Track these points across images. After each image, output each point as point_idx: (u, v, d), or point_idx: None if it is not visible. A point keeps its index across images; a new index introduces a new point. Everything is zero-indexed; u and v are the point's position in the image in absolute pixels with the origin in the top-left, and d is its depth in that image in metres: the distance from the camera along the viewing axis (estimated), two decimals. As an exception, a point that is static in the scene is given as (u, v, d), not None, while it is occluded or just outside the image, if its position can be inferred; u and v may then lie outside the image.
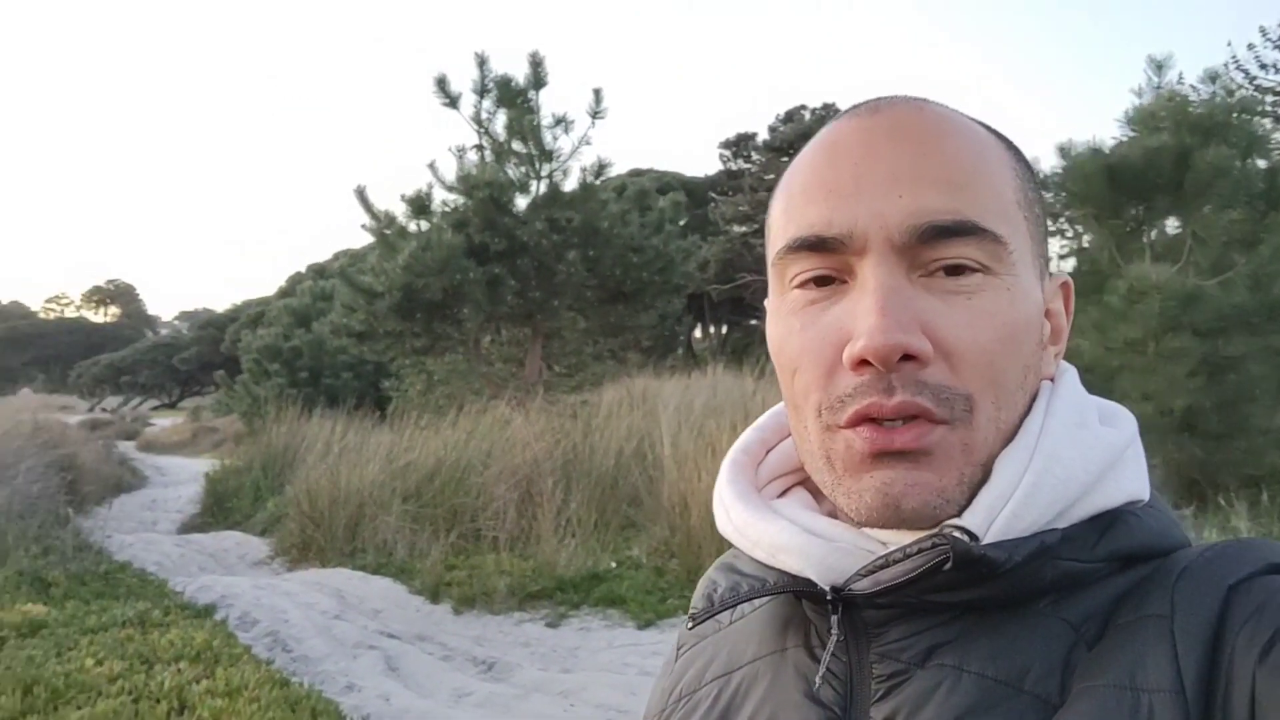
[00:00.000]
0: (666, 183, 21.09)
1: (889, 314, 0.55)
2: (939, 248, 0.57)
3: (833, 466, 0.59)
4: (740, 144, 27.08)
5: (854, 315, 0.57)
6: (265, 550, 8.58)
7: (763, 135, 26.43)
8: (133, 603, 5.23)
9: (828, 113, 25.56)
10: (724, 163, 27.46)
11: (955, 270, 0.57)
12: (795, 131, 23.85)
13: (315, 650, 5.33)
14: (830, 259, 0.59)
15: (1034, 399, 0.61)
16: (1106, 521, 0.57)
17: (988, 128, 0.63)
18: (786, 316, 0.61)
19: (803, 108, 25.87)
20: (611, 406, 9.89)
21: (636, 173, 23.96)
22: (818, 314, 0.59)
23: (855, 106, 0.63)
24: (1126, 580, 0.57)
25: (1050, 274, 0.65)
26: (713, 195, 25.47)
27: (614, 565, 6.69)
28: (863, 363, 0.56)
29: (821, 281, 0.59)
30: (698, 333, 27.67)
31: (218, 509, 11.15)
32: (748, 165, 26.53)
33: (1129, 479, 0.59)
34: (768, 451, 0.70)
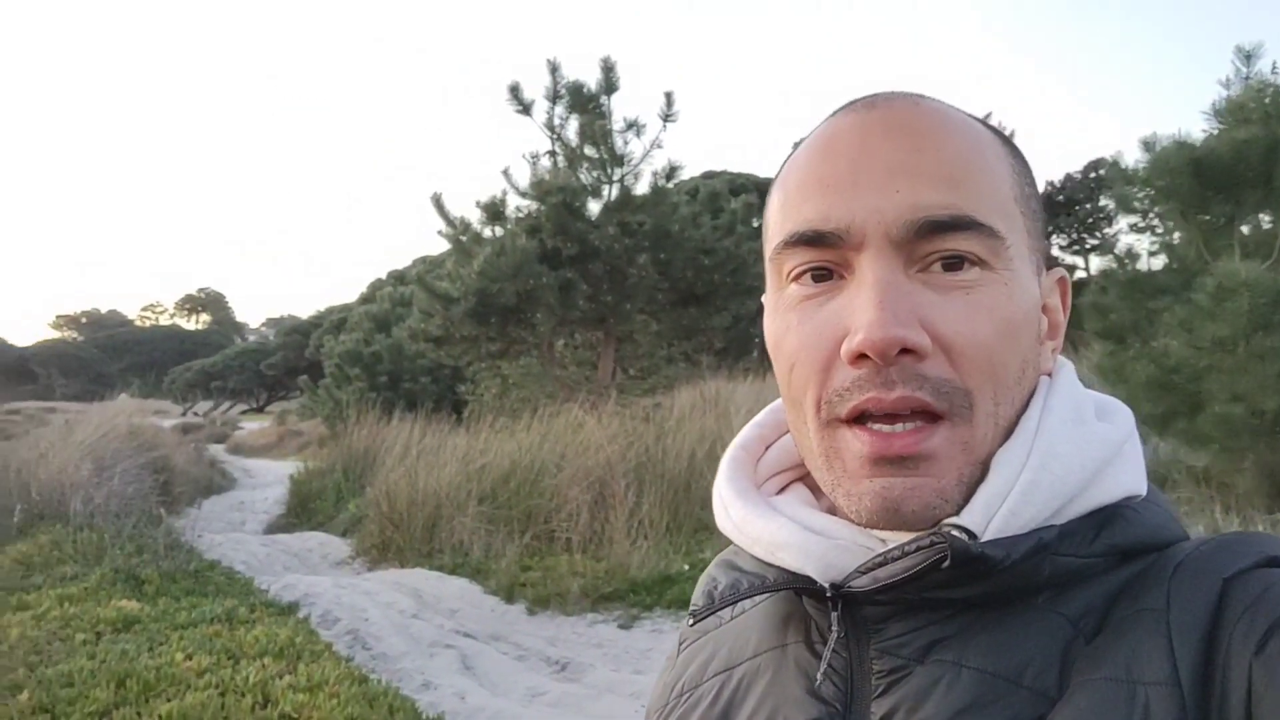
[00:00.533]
0: (740, 184, 21.01)
1: (886, 308, 0.55)
2: (936, 242, 0.57)
3: (831, 466, 0.59)
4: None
5: (852, 310, 0.57)
6: (346, 550, 8.79)
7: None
8: (221, 600, 5.40)
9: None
10: (799, 163, 27.19)
11: (953, 265, 0.57)
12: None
13: (393, 648, 5.45)
14: (827, 253, 0.59)
15: (1032, 395, 0.61)
16: (1104, 517, 0.58)
17: (985, 124, 0.63)
18: (784, 312, 0.62)
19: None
20: (684, 409, 9.90)
21: (710, 175, 23.92)
22: (815, 309, 0.59)
23: (852, 102, 0.64)
24: (1124, 575, 0.57)
25: (1047, 269, 0.65)
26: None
27: (686, 568, 6.70)
28: (861, 356, 0.56)
29: (819, 277, 0.60)
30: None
31: (302, 510, 11.45)
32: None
33: (1126, 474, 0.59)
34: (767, 448, 0.71)
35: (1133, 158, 6.96)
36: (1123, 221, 7.79)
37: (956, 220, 0.57)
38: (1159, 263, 7.46)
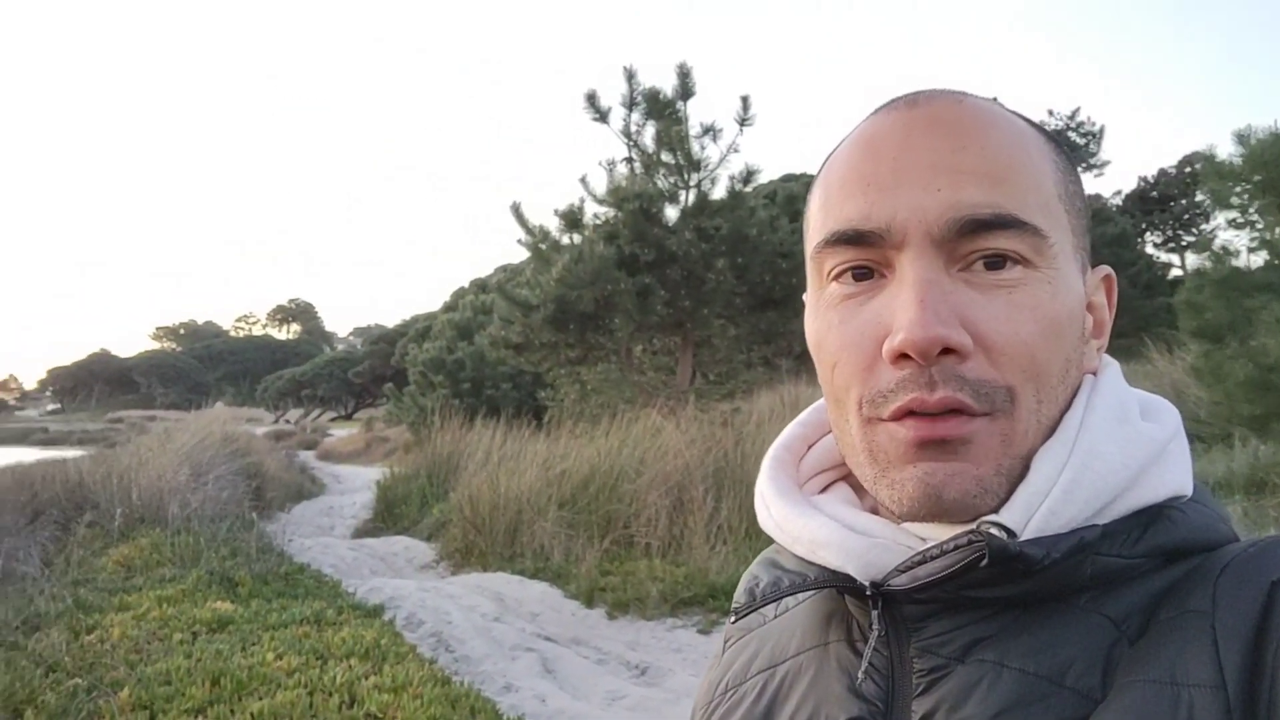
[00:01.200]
0: (818, 187, 20.79)
1: (928, 307, 0.55)
2: (978, 241, 0.57)
3: (875, 460, 0.59)
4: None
5: (893, 309, 0.57)
6: (431, 554, 8.95)
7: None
8: (310, 602, 5.54)
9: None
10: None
11: (995, 264, 0.57)
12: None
13: (475, 651, 5.52)
14: (868, 252, 0.59)
15: (1076, 394, 0.60)
16: (1149, 517, 0.57)
17: (1029, 121, 0.63)
18: (825, 311, 0.62)
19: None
20: (763, 414, 9.84)
21: (789, 177, 23.75)
22: (856, 308, 0.59)
23: (895, 99, 0.63)
24: (1169, 576, 0.56)
25: (1091, 267, 0.64)
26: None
27: (766, 573, 6.66)
28: (902, 356, 0.56)
29: (860, 275, 0.60)
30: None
31: (388, 515, 11.69)
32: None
33: (1172, 474, 0.58)
34: (810, 447, 0.71)
35: (1227, 151, 6.72)
36: (1220, 217, 7.50)
37: (999, 219, 0.56)
38: (1259, 260, 7.19)
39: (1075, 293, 0.60)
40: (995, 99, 0.64)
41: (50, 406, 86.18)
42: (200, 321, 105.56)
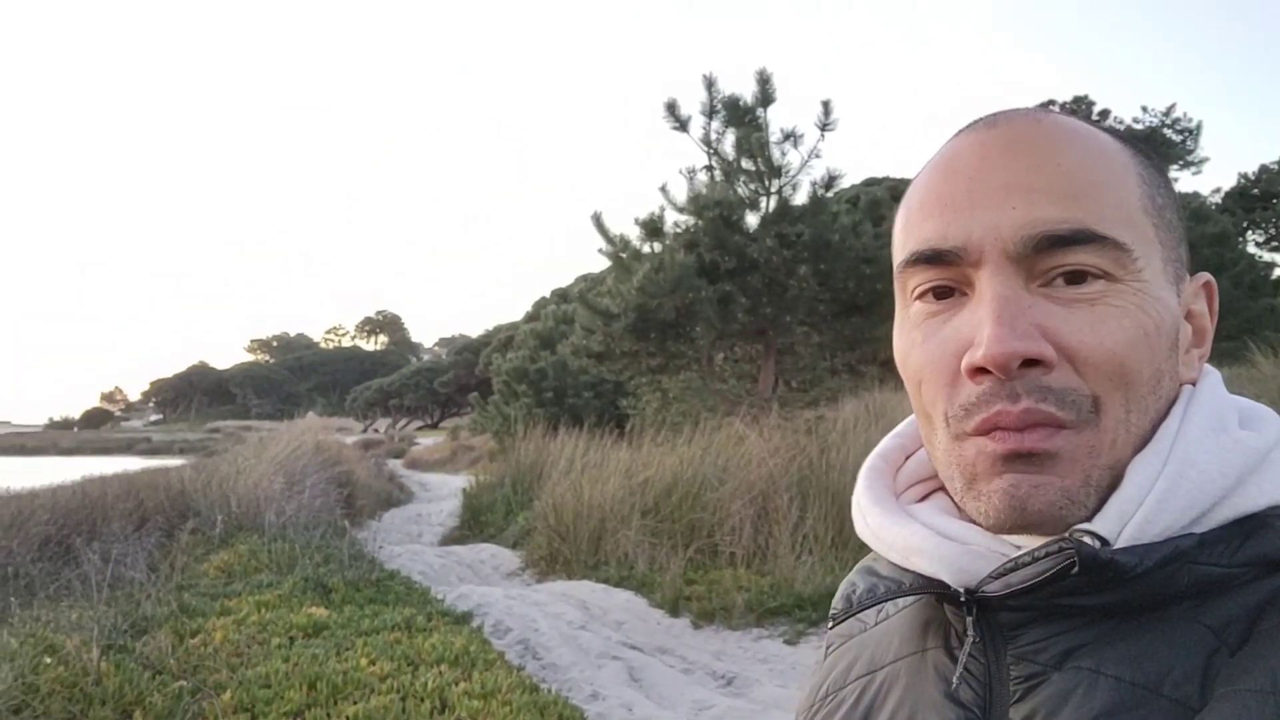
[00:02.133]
0: (902, 191, 20.46)
1: (1004, 323, 0.56)
2: (1056, 256, 0.58)
3: (962, 473, 0.60)
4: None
5: (972, 325, 0.58)
6: (516, 562, 9.04)
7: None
8: (400, 609, 5.65)
9: (1078, 106, 24.04)
10: (963, 166, 26.38)
11: (1076, 278, 0.58)
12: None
13: (562, 659, 5.56)
14: (947, 271, 0.61)
15: (1173, 404, 0.61)
16: (1250, 526, 0.57)
17: (1114, 134, 0.63)
18: (909, 329, 0.64)
19: (1050, 103, 24.48)
20: (849, 422, 9.72)
21: (871, 182, 23.49)
22: (938, 325, 0.61)
23: (974, 121, 0.65)
24: (1272, 585, 0.56)
25: (1191, 274, 0.65)
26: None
27: (852, 583, 6.57)
28: (981, 371, 0.57)
29: (941, 294, 0.61)
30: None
31: (474, 523, 11.86)
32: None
33: (1273, 483, 0.58)
34: (907, 458, 0.72)
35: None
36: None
37: (1076, 234, 0.57)
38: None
39: (1164, 304, 0.60)
40: (1079, 113, 0.64)
41: (153, 417, 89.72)
42: (292, 334, 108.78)
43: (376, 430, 46.81)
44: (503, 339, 33.53)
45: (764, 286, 10.56)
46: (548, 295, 35.05)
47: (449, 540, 11.36)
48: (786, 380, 12.35)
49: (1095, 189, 0.58)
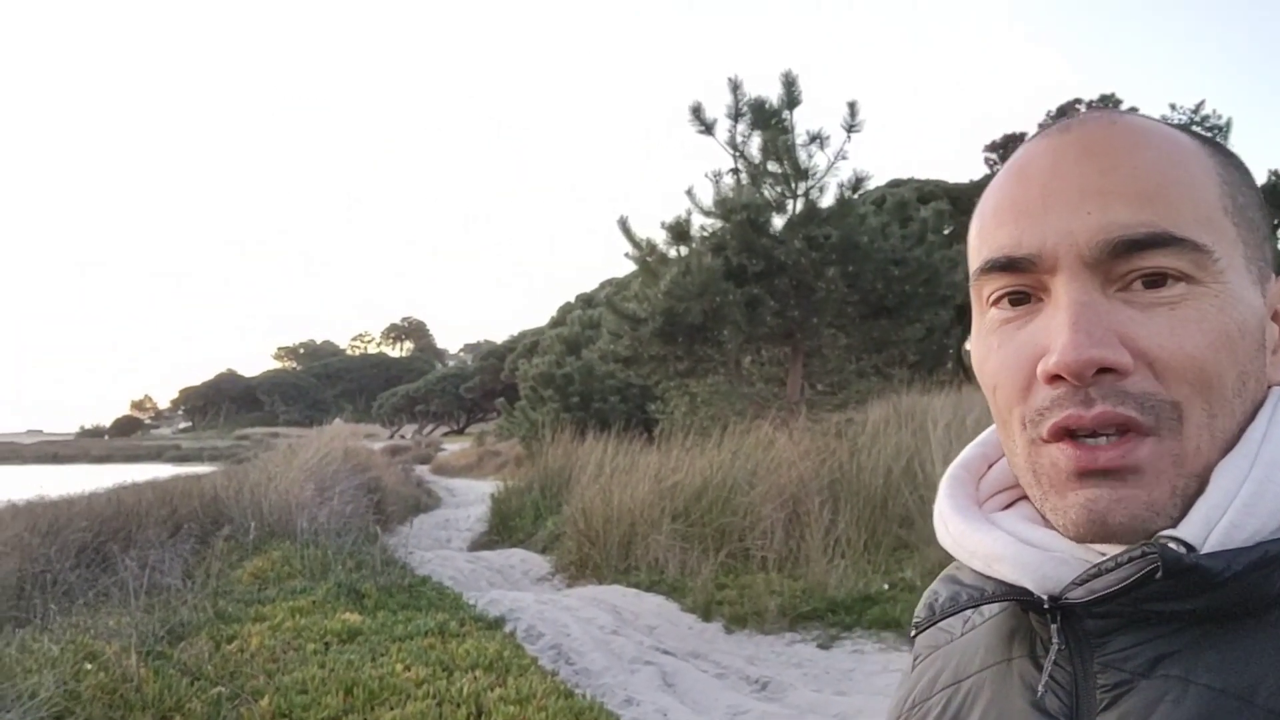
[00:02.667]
0: (928, 191, 20.44)
1: (1080, 329, 0.56)
2: (1133, 260, 0.57)
3: (1039, 481, 0.60)
4: (1008, 145, 25.81)
5: (1048, 332, 0.58)
6: (546, 567, 9.05)
7: (1032, 134, 25.07)
8: (433, 614, 5.66)
9: (1105, 105, 23.82)
10: (989, 166, 26.29)
11: (1155, 282, 0.57)
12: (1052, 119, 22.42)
13: (595, 664, 5.56)
14: (1022, 277, 0.60)
15: (1260, 406, 0.59)
16: None
17: (1192, 134, 0.62)
18: (985, 336, 0.63)
19: (1077, 102, 24.31)
20: (878, 424, 9.67)
21: (895, 183, 23.38)
22: (1013, 332, 0.61)
23: (1047, 126, 0.65)
24: None
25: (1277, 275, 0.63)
26: (978, 201, 24.39)
27: (886, 587, 6.52)
28: (1056, 378, 0.57)
29: (1017, 300, 0.61)
30: (968, 345, 26.56)
31: (503, 528, 11.88)
32: (1016, 167, 25.24)
33: None
34: (990, 466, 0.71)
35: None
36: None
37: (1153, 237, 0.57)
38: None
39: (1248, 304, 0.59)
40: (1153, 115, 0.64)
41: (182, 424, 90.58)
42: (319, 341, 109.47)
43: (403, 436, 47.05)
44: (528, 344, 33.61)
45: (792, 289, 10.53)
46: (573, 300, 35.12)
47: (478, 545, 11.39)
48: (814, 383, 12.29)
49: (1172, 190, 0.57)
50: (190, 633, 4.99)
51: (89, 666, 4.08)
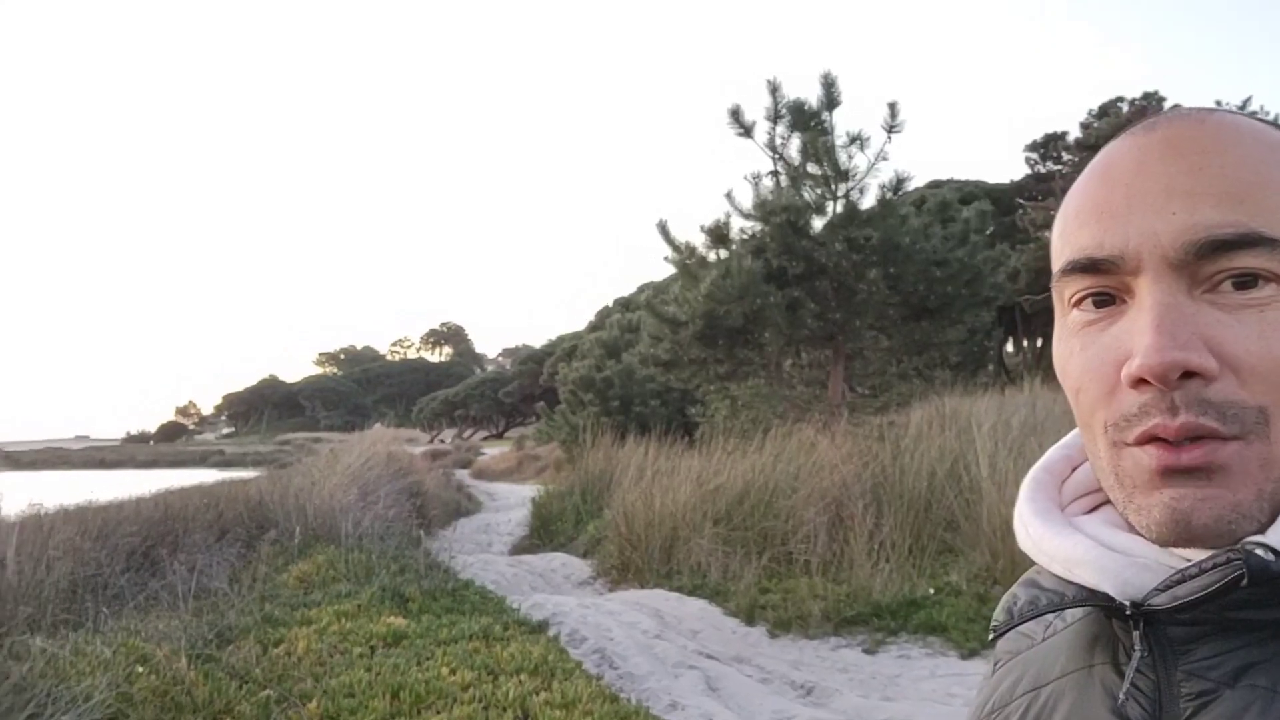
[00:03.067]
0: (969, 192, 20.24)
1: (1164, 332, 0.55)
2: (1221, 261, 0.55)
3: (1122, 483, 0.59)
4: (1049, 145, 25.44)
5: (1132, 334, 0.57)
6: (588, 571, 9.04)
7: (1074, 133, 24.66)
8: (477, 618, 5.67)
9: (1149, 103, 23.46)
10: (1031, 166, 25.92)
11: (1244, 283, 0.56)
12: (1112, 127, 22.06)
13: (639, 668, 5.53)
14: (1105, 279, 0.59)
15: None
16: None
17: None
18: (1068, 338, 0.63)
19: (1119, 100, 23.90)
20: (920, 427, 9.56)
21: (935, 184, 23.18)
22: (1096, 334, 0.60)
23: (1134, 126, 0.63)
24: None
25: None
26: (1020, 201, 24.05)
27: (931, 591, 6.44)
28: (1140, 381, 0.56)
29: (1100, 302, 0.60)
30: (1010, 347, 26.22)
31: (544, 532, 11.91)
32: (1058, 167, 24.86)
33: None
34: (1074, 470, 0.70)
35: None
36: None
37: (1242, 237, 0.55)
38: None
39: None
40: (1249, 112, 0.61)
41: (225, 430, 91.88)
42: (359, 346, 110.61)
43: (443, 441, 47.35)
44: (566, 348, 33.72)
45: (833, 291, 10.46)
46: (611, 305, 35.19)
47: (519, 549, 11.41)
48: (855, 386, 12.20)
49: (1263, 189, 0.56)
50: (238, 636, 5.04)
51: (140, 669, 4.13)
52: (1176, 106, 0.63)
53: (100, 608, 5.46)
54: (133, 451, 64.67)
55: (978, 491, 7.26)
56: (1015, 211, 23.29)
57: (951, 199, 12.25)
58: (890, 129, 10.30)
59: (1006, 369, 23.36)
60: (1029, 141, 26.19)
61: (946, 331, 11.36)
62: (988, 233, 11.49)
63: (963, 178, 26.19)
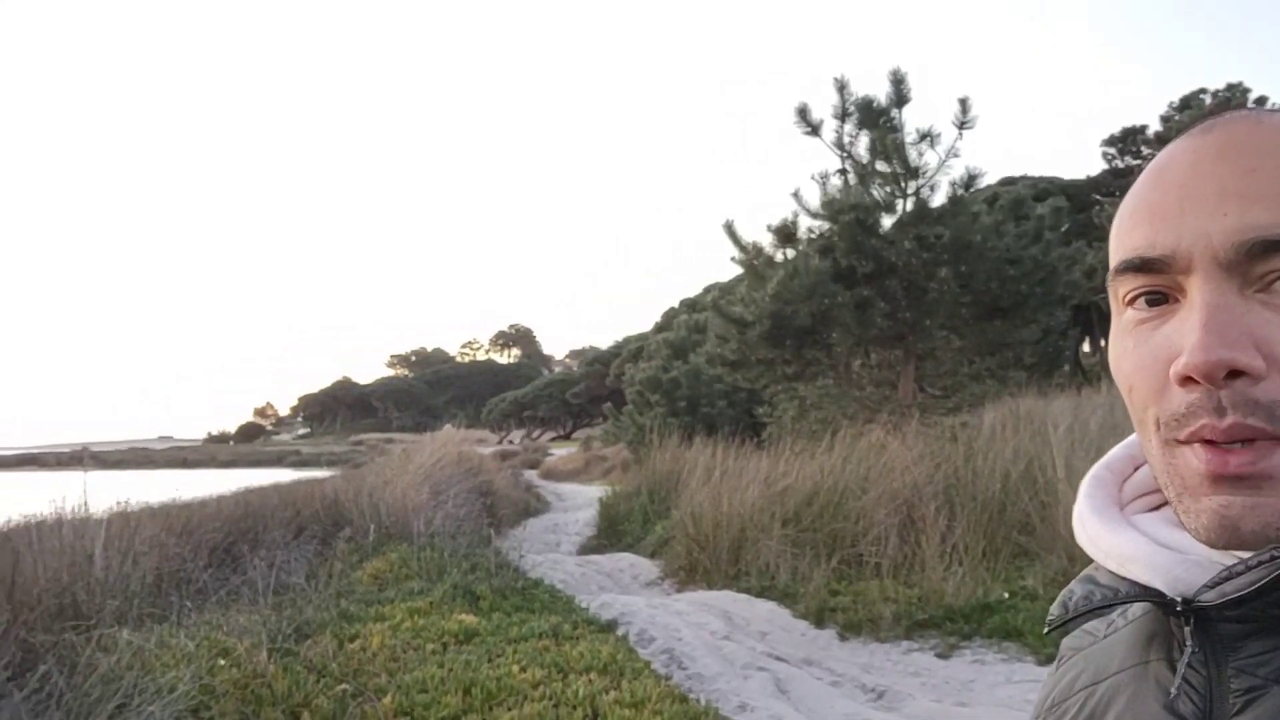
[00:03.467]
0: (1043, 189, 19.83)
1: (1212, 331, 0.55)
2: (1272, 261, 0.56)
3: (1173, 483, 0.60)
4: (1127, 139, 24.82)
5: (1182, 333, 0.58)
6: (655, 571, 9.05)
7: (1154, 127, 23.99)
8: (546, 616, 5.72)
9: (1232, 94, 22.72)
10: (1108, 161, 25.30)
11: None
12: (1194, 120, 21.42)
13: (708, 669, 5.52)
14: (1157, 278, 0.60)
15: None
16: None
17: None
18: (1121, 336, 0.63)
19: (1202, 91, 23.21)
20: (994, 428, 9.39)
21: (1008, 181, 22.74)
22: (1149, 333, 0.61)
23: (1190, 127, 0.63)
24: None
25: None
26: (1097, 197, 23.49)
27: (1006, 596, 6.32)
28: (1188, 380, 0.56)
29: (1153, 301, 0.61)
30: (1086, 346, 25.61)
31: (611, 532, 11.95)
32: (1137, 161, 24.23)
33: None
34: (1136, 468, 0.71)
35: None
36: None
37: None
38: None
39: None
40: None
41: (301, 430, 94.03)
42: (429, 349, 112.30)
43: (511, 441, 47.82)
44: (633, 350, 33.82)
45: (902, 290, 10.33)
46: (677, 305, 35.19)
47: (586, 549, 11.47)
48: (926, 386, 12.02)
49: None
50: (315, 631, 5.15)
51: (222, 662, 4.25)
52: (1236, 105, 0.63)
53: (184, 602, 5.64)
54: (213, 451, 66.58)
55: (1053, 494, 7.11)
56: (1092, 208, 22.73)
57: (1025, 196, 12.03)
58: (961, 125, 10.15)
59: (1083, 369, 22.81)
60: (1106, 136, 25.57)
61: (1020, 331, 11.15)
62: (1063, 230, 11.25)
63: (1036, 174, 25.63)
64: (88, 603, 5.18)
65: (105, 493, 7.19)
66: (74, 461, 34.98)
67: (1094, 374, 19.81)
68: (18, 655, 4.08)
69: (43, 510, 6.57)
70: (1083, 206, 22.31)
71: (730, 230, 11.27)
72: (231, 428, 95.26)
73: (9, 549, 5.72)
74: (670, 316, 31.65)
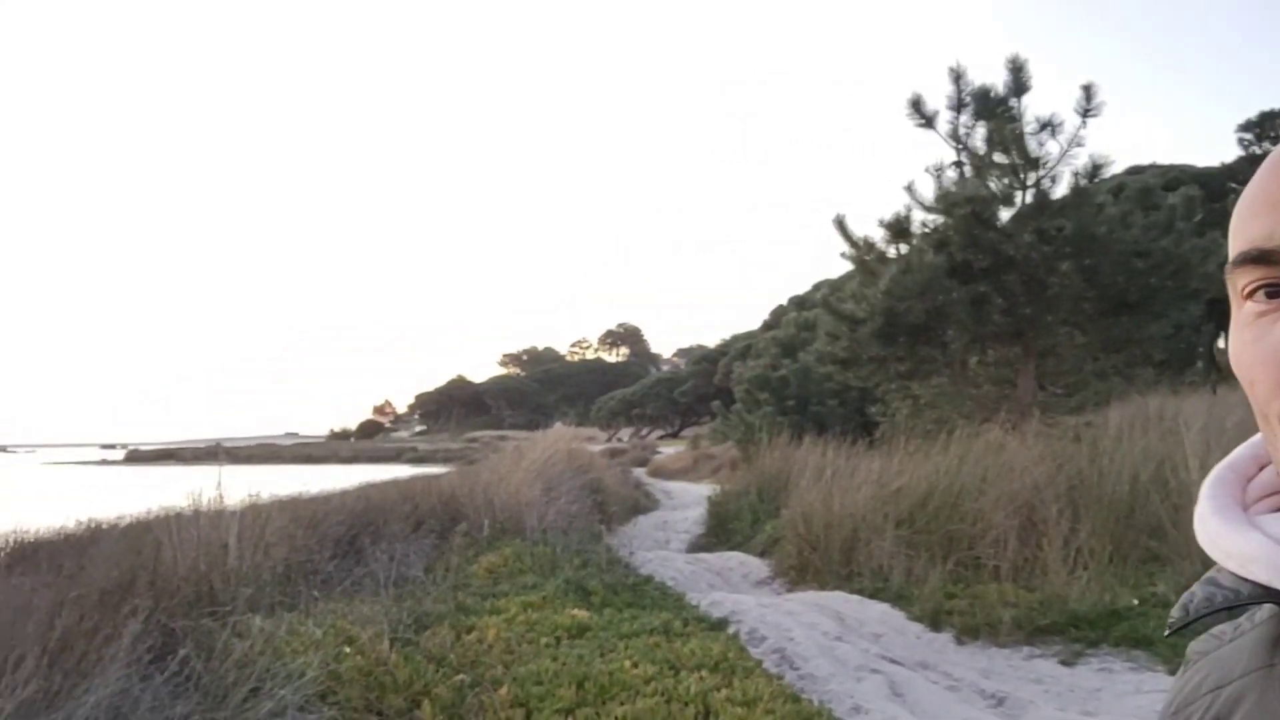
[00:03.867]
0: (1173, 178, 18.96)
1: None
2: None
3: None
4: (1265, 123, 23.53)
5: None
6: (765, 570, 9.00)
7: None
8: (657, 613, 5.75)
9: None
10: (1244, 147, 24.05)
11: None
12: (1339, 98, 20.15)
13: (820, 670, 5.47)
14: (1276, 270, 0.59)
15: None
16: None
17: None
18: (1241, 329, 0.62)
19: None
20: (1121, 427, 9.02)
21: (1135, 170, 21.83)
22: (1269, 325, 0.59)
23: None
24: None
25: None
26: (1233, 185, 22.32)
27: (1135, 602, 6.06)
28: None
29: (1273, 293, 0.59)
30: (1221, 342, 24.37)
31: (720, 530, 11.94)
32: (1276, 146, 22.97)
33: None
34: (1261, 468, 0.68)
35: None
36: None
37: None
38: None
39: None
40: None
41: (418, 428, 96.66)
42: (540, 348, 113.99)
43: (620, 439, 48.20)
44: (740, 348, 33.68)
45: (1021, 285, 10.00)
46: (785, 303, 34.89)
47: (695, 547, 11.48)
48: (1047, 384, 11.62)
49: None
50: (434, 622, 5.29)
51: (347, 650, 4.40)
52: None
53: (311, 591, 5.86)
54: (335, 448, 69.06)
55: (1187, 497, 6.79)
56: (1227, 197, 21.61)
57: (1154, 185, 11.54)
58: (1085, 113, 9.77)
59: (1218, 366, 21.69)
60: (1242, 121, 24.28)
61: (1149, 326, 10.67)
62: (1196, 220, 10.71)
63: (1166, 162, 24.52)
64: (223, 590, 5.44)
65: (238, 486, 7.55)
66: (208, 456, 36.73)
67: (1230, 371, 18.82)
68: (159, 640, 4.31)
69: (181, 502, 6.94)
70: (1217, 195, 21.21)
71: (841, 225, 11.11)
72: (352, 425, 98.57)
73: (151, 539, 6.06)
74: (779, 314, 31.42)
